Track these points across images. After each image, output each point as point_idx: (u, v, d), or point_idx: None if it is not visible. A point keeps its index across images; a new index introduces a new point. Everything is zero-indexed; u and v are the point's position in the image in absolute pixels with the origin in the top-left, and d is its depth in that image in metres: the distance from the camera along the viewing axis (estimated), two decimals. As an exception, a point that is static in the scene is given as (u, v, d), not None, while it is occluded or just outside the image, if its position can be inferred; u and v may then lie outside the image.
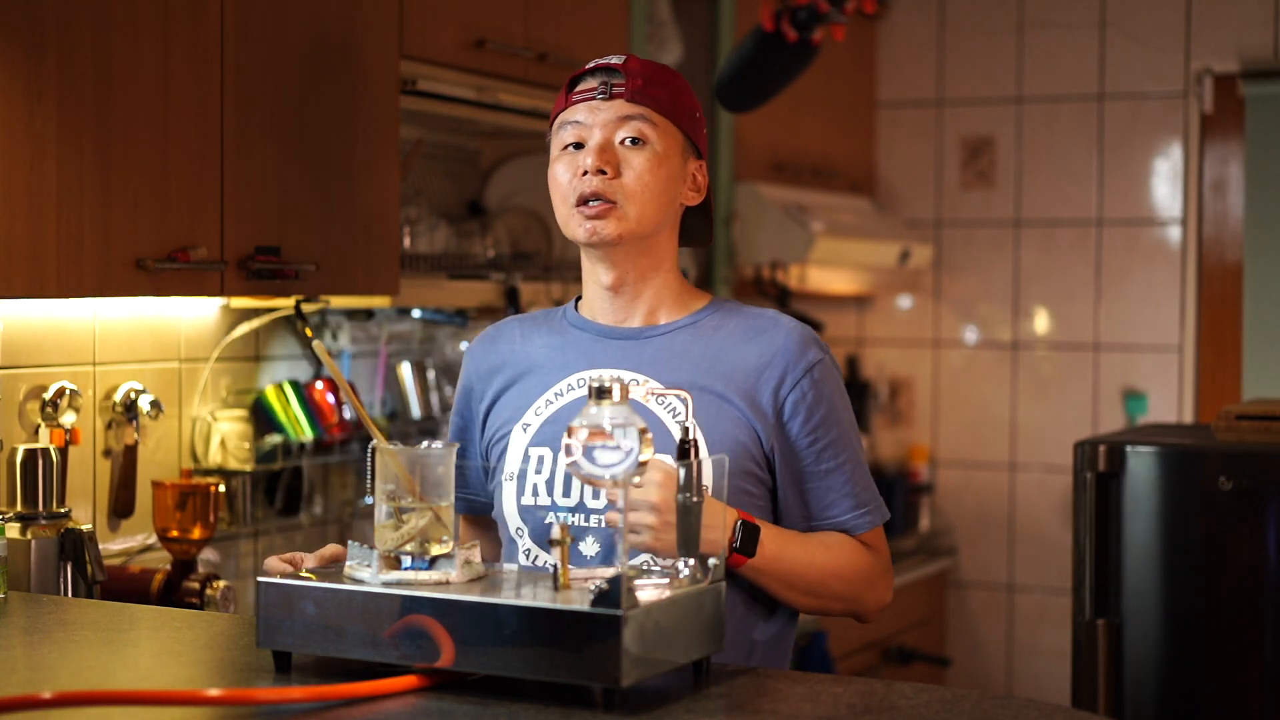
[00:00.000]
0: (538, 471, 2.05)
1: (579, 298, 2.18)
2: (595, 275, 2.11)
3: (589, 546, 2.01)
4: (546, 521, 2.04)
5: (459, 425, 2.22)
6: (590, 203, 2.04)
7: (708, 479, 1.96)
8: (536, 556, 2.05)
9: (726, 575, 2.01)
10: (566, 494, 2.03)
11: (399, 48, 2.91)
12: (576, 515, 2.03)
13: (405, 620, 1.67)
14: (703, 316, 2.11)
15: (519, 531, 2.07)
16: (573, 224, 2.06)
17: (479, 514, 2.22)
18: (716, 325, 2.09)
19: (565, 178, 2.07)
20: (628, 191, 2.04)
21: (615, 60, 2.08)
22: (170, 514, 2.71)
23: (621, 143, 2.05)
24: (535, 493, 2.05)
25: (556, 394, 2.09)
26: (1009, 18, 4.80)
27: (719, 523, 1.91)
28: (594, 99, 2.07)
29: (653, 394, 2.02)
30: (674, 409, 2.03)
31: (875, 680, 1.83)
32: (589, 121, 2.06)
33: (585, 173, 2.04)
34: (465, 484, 2.20)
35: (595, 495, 2.02)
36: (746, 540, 1.94)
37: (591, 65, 2.10)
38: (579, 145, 2.07)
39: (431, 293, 3.23)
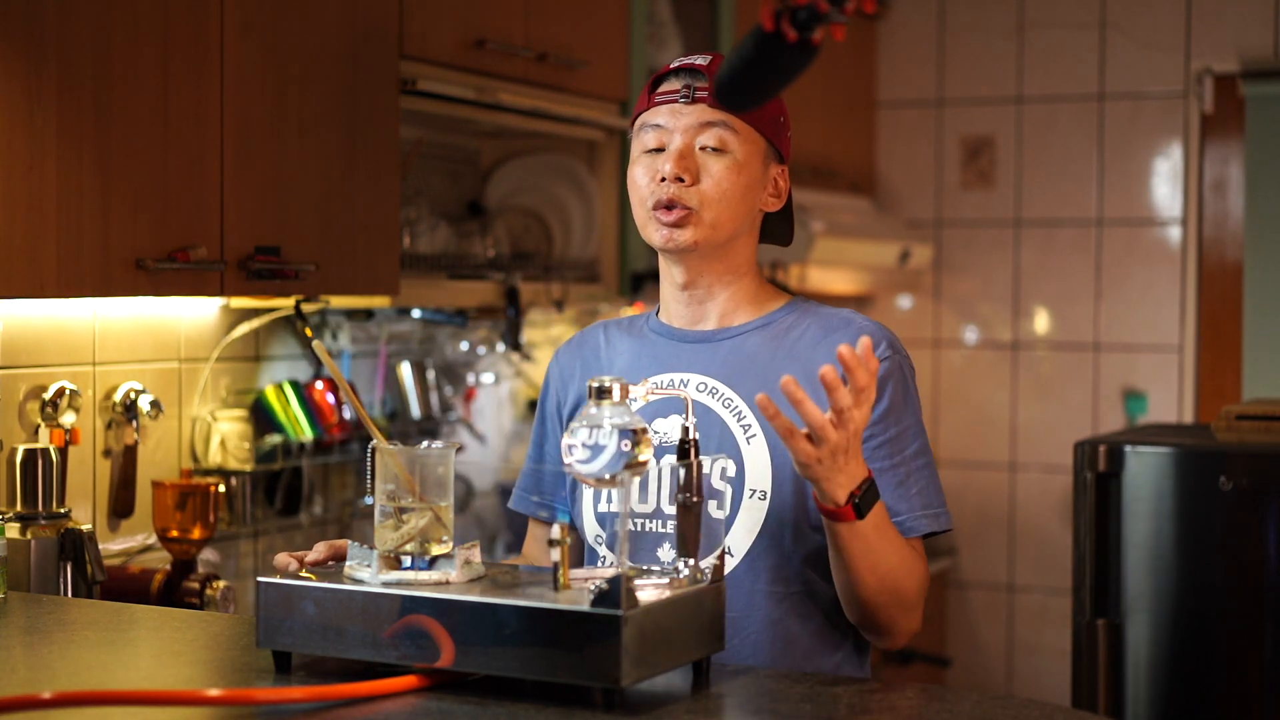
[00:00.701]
0: None
1: (660, 304, 2.16)
2: (670, 275, 2.10)
3: (666, 553, 1.99)
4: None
5: (542, 431, 2.19)
6: (668, 209, 2.01)
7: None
8: (613, 564, 2.02)
9: (802, 604, 1.99)
10: (644, 500, 2.02)
11: (399, 48, 2.91)
12: (654, 521, 2.01)
13: (405, 620, 1.67)
14: (777, 318, 2.08)
15: (598, 539, 2.06)
16: (649, 228, 2.04)
17: (549, 521, 2.19)
18: (789, 327, 2.06)
19: (644, 181, 2.04)
20: (706, 199, 2.01)
21: (700, 61, 2.05)
22: (170, 514, 2.71)
23: (702, 149, 2.02)
24: (611, 499, 2.04)
25: (632, 399, 2.06)
26: (1009, 18, 4.80)
27: (854, 472, 1.84)
28: (676, 102, 2.03)
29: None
30: (738, 411, 2.01)
31: (875, 680, 1.83)
32: (670, 125, 2.03)
33: (664, 179, 2.01)
34: (540, 488, 2.19)
35: (672, 501, 1.99)
36: (867, 499, 1.86)
37: (675, 65, 2.06)
38: (659, 149, 2.04)
39: (431, 293, 3.23)
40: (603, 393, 1.72)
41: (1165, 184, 4.63)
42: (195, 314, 2.93)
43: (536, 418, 2.22)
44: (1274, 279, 4.53)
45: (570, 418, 2.15)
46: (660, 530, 2.00)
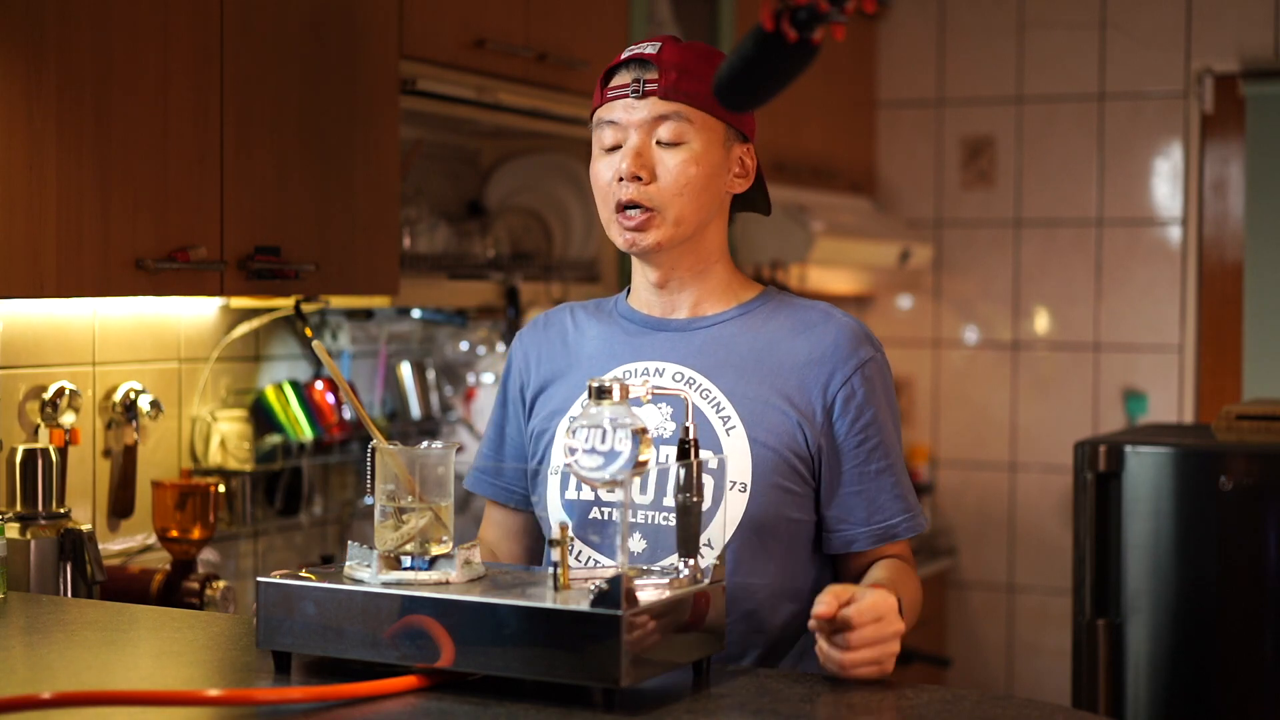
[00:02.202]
0: None
1: (630, 287, 2.14)
2: (643, 271, 2.08)
3: (636, 543, 1.97)
4: (591, 517, 2.01)
5: (504, 415, 2.18)
6: (629, 211, 2.00)
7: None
8: (579, 551, 2.02)
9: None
10: (611, 489, 2.01)
11: (399, 48, 2.91)
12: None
13: (405, 620, 1.67)
14: (752, 308, 2.06)
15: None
16: (613, 230, 2.03)
17: (516, 506, 2.17)
18: (766, 318, 2.05)
19: (605, 179, 2.02)
20: (665, 196, 1.99)
21: (649, 50, 2.02)
22: (170, 514, 2.71)
23: (658, 143, 2.00)
24: (579, 488, 2.02)
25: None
26: (1009, 18, 4.80)
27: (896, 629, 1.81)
28: (627, 97, 2.01)
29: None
30: (716, 402, 2.00)
31: (875, 680, 1.83)
32: (624, 121, 2.01)
33: (622, 178, 2.00)
34: (500, 473, 2.17)
35: (642, 490, 1.98)
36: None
37: (625, 55, 2.03)
38: (617, 147, 2.02)
39: (431, 293, 3.23)
40: (603, 393, 1.72)
41: (1165, 184, 4.63)
42: (195, 314, 2.93)
43: (497, 399, 2.20)
44: (1274, 279, 4.53)
45: (534, 403, 2.13)
46: (629, 520, 1.98)
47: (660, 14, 3.89)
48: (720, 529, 1.96)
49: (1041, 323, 4.80)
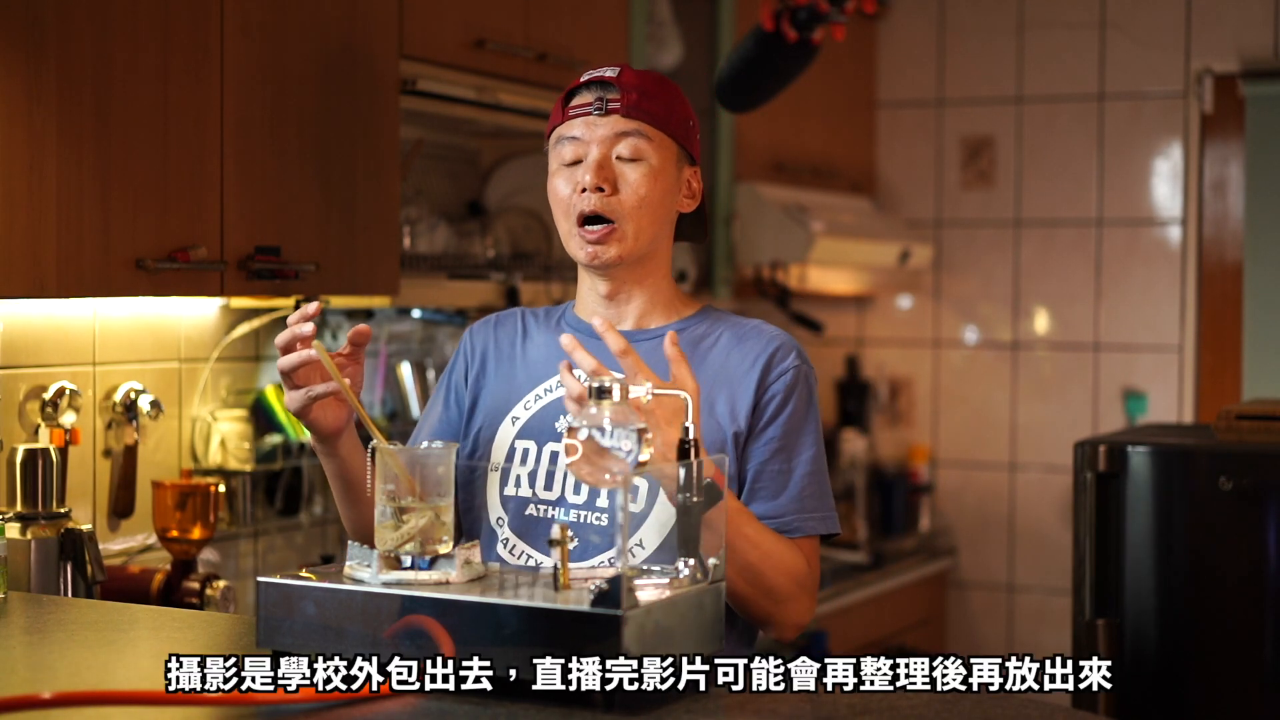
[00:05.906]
0: (522, 463, 2.09)
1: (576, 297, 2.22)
2: (592, 284, 2.16)
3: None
4: (527, 514, 2.07)
5: (443, 401, 2.22)
6: (590, 224, 2.07)
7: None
8: (514, 546, 2.08)
9: None
10: (548, 487, 2.07)
11: (399, 48, 2.91)
12: (557, 509, 2.06)
13: (405, 620, 1.67)
14: (690, 324, 2.15)
15: (499, 521, 2.10)
16: (573, 244, 2.10)
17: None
18: (703, 334, 2.13)
19: (565, 192, 2.10)
20: (626, 208, 2.07)
21: (609, 73, 2.10)
22: (170, 514, 2.71)
23: (618, 158, 2.08)
24: (518, 484, 2.09)
25: (546, 389, 2.13)
26: (1009, 18, 4.80)
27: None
28: (590, 114, 2.09)
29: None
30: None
31: (876, 680, 1.83)
32: (585, 137, 2.09)
33: (584, 190, 2.07)
34: None
35: (576, 490, 2.05)
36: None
37: (586, 78, 2.12)
38: (577, 162, 2.10)
39: (431, 293, 3.23)
40: (603, 392, 1.72)
41: (1165, 184, 4.63)
42: (195, 314, 2.93)
43: (440, 385, 2.25)
44: (1274, 279, 4.53)
45: (475, 400, 2.18)
46: (563, 519, 2.05)
47: (660, 14, 3.89)
48: (655, 531, 2.02)
49: (1041, 323, 4.80)
